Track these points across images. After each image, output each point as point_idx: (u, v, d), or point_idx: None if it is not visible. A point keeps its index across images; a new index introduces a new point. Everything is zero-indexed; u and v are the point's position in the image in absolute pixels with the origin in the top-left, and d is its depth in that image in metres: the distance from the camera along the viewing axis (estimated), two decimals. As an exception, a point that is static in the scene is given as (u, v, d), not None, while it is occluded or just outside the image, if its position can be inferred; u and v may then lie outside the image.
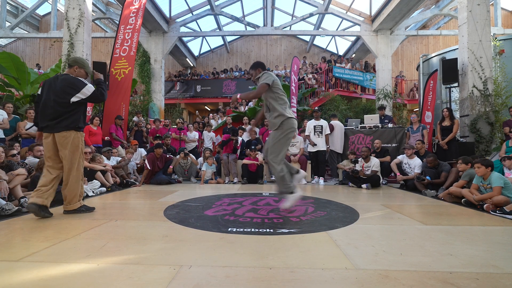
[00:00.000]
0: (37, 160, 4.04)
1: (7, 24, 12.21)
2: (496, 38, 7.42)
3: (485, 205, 3.24)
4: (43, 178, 2.81)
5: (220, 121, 9.24)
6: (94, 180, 4.43)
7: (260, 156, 6.16)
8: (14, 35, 12.42)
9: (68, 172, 2.86)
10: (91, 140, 5.60)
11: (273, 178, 6.18)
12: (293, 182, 3.08)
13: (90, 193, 4.14)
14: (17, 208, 2.92)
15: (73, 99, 2.81)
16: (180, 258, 1.72)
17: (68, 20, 6.96)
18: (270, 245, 1.98)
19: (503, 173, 3.99)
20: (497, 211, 3.05)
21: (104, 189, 4.52)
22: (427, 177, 4.68)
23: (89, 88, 2.89)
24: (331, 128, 6.30)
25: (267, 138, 3.34)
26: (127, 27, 7.14)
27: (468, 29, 6.38)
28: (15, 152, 3.91)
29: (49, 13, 14.42)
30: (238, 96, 2.94)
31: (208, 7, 11.69)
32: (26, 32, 15.03)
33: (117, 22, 7.56)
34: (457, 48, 7.03)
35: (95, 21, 11.83)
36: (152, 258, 1.72)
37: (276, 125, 3.06)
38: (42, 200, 2.69)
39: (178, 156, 6.29)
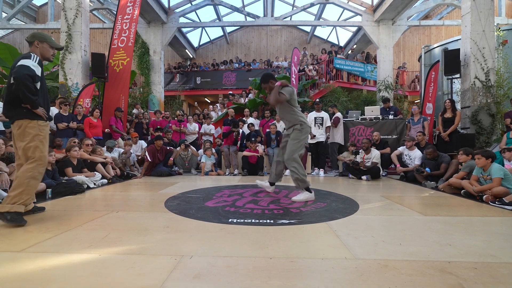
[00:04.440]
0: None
1: (4, 15, 12.04)
2: (499, 28, 7.30)
3: (484, 196, 3.25)
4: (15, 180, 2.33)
5: (220, 113, 9.20)
6: (96, 173, 4.45)
7: (260, 148, 6.16)
8: (11, 26, 12.27)
9: (21, 167, 2.33)
10: (92, 132, 5.59)
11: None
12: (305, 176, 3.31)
13: (92, 185, 4.16)
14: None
15: (12, 79, 2.29)
16: (181, 248, 1.74)
17: (65, 10, 6.86)
18: (271, 235, 1.99)
19: (503, 165, 4.00)
20: (496, 202, 3.06)
21: (105, 181, 4.54)
22: (427, 169, 4.68)
23: (24, 63, 2.25)
24: (337, 120, 6.24)
25: (282, 146, 3.57)
26: (125, 17, 7.04)
27: (471, 19, 6.28)
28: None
29: (46, 3, 14.18)
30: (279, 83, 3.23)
31: (208, -3, 11.51)
32: (23, 23, 14.83)
33: (115, 13, 7.44)
34: (460, 39, 6.94)
35: (93, 12, 11.64)
36: (153, 248, 1.74)
37: (294, 130, 3.32)
38: (19, 206, 2.23)
39: (178, 148, 6.29)
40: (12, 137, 2.45)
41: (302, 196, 3.21)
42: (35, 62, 2.32)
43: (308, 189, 3.24)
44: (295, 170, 3.20)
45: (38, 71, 2.34)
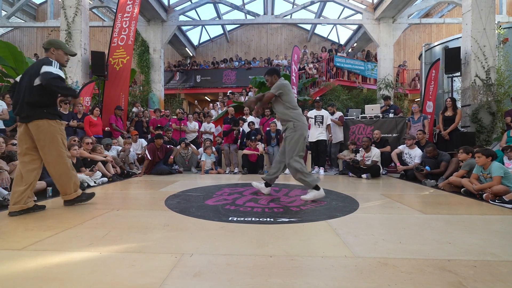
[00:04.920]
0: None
1: (3, 13, 12.01)
2: (500, 26, 7.28)
3: (484, 195, 3.25)
4: (15, 179, 2.53)
5: (220, 111, 9.20)
6: (97, 171, 4.46)
7: (260, 146, 6.16)
8: (10, 24, 12.23)
9: (48, 164, 2.62)
10: (92, 130, 5.60)
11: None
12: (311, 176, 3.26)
13: (92, 183, 4.16)
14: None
15: (36, 82, 2.50)
16: (181, 246, 1.74)
17: (64, 8, 6.84)
18: (271, 234, 2.00)
19: (503, 163, 4.00)
20: (496, 200, 3.06)
21: (105, 179, 4.54)
22: (427, 167, 4.68)
23: (48, 70, 2.45)
24: (342, 119, 6.52)
25: (281, 146, 3.51)
26: (125, 15, 7.02)
27: (472, 17, 6.26)
28: (15, 141, 3.91)
29: (46, 1, 14.14)
30: (247, 102, 3.25)
31: (207, -5, 11.46)
32: (23, 21, 14.79)
33: (115, 11, 7.42)
34: (461, 37, 6.92)
35: (93, 10, 11.61)
36: (153, 246, 1.74)
37: (288, 129, 3.25)
38: (21, 206, 2.44)
39: (178, 147, 6.30)
40: (21, 135, 2.59)
41: (311, 194, 3.16)
42: (56, 67, 2.54)
43: (316, 187, 3.17)
44: (299, 172, 3.15)
45: (62, 74, 2.57)
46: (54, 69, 2.49)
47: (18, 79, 2.66)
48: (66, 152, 2.73)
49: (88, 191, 3.23)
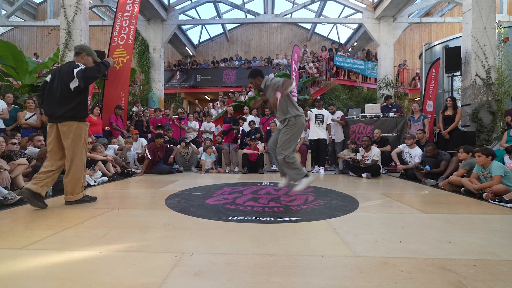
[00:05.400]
0: (38, 150, 4.04)
1: (3, 12, 11.99)
2: (501, 26, 7.27)
3: (484, 194, 3.25)
4: (43, 168, 2.77)
5: (220, 110, 9.19)
6: (98, 170, 4.46)
7: (260, 145, 6.16)
8: (10, 23, 12.22)
9: (71, 162, 2.82)
10: (92, 130, 5.60)
11: (273, 168, 6.20)
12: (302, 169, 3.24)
13: (92, 183, 4.17)
14: (19, 197, 2.94)
15: (72, 85, 2.75)
16: (181, 245, 1.74)
17: (64, 7, 6.83)
18: (271, 233, 2.00)
19: (503, 163, 4.00)
20: (496, 200, 3.07)
21: (105, 178, 4.55)
22: (426, 167, 4.68)
23: (78, 69, 2.75)
24: (344, 119, 6.57)
25: (272, 136, 3.48)
26: (125, 15, 7.02)
27: (472, 16, 6.25)
28: (15, 141, 3.91)
29: (45, 0, 14.14)
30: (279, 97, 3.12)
31: (207, -6, 11.44)
32: (23, 20, 14.78)
33: (115, 10, 7.41)
34: (461, 36, 6.90)
35: (92, 9, 11.60)
36: (154, 245, 1.74)
37: (288, 123, 3.24)
38: (37, 187, 2.63)
39: (178, 146, 6.30)
40: (51, 134, 2.82)
41: (302, 185, 3.18)
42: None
43: (306, 175, 3.20)
44: (290, 162, 3.16)
45: None
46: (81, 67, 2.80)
47: (48, 79, 2.89)
48: (86, 152, 3.00)
49: (88, 191, 3.24)
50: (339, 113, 6.63)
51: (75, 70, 2.74)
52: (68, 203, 2.87)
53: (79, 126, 2.83)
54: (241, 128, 6.69)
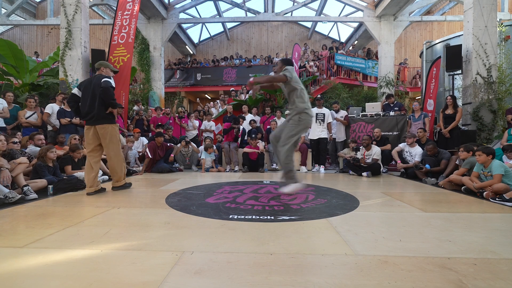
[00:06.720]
0: (38, 149, 4.05)
1: (3, 11, 11.97)
2: (502, 24, 7.24)
3: (484, 193, 3.25)
4: (86, 169, 3.42)
5: (221, 109, 9.19)
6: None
7: (260, 144, 6.16)
8: (10, 22, 12.19)
9: (111, 158, 3.51)
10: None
11: (274, 167, 6.20)
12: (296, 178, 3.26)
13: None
14: (20, 196, 2.95)
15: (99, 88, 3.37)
16: (182, 244, 1.75)
17: (64, 6, 6.82)
18: (271, 231, 2.00)
19: (503, 161, 3.99)
20: (497, 199, 3.07)
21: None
22: (427, 166, 4.68)
23: (108, 79, 3.39)
24: (348, 119, 6.56)
25: (278, 127, 3.53)
26: (125, 13, 7.00)
27: (473, 14, 6.22)
28: (16, 140, 3.92)
29: (46, -1, 14.12)
30: (251, 79, 3.12)
31: (208, -8, 11.41)
32: (23, 19, 14.75)
33: (115, 8, 7.40)
34: (462, 34, 6.88)
35: (93, 7, 11.59)
36: (154, 244, 1.75)
37: (294, 118, 3.26)
38: (94, 188, 3.37)
39: (179, 145, 6.30)
40: (91, 135, 3.45)
41: (289, 188, 3.21)
42: (112, 80, 3.52)
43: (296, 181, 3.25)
44: (288, 159, 3.19)
45: (114, 84, 3.56)
46: (112, 81, 3.47)
47: (75, 91, 3.54)
48: (121, 148, 3.66)
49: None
50: (343, 113, 6.61)
51: (105, 79, 3.40)
52: (114, 188, 3.59)
53: (113, 128, 3.49)
54: (241, 127, 6.68)
